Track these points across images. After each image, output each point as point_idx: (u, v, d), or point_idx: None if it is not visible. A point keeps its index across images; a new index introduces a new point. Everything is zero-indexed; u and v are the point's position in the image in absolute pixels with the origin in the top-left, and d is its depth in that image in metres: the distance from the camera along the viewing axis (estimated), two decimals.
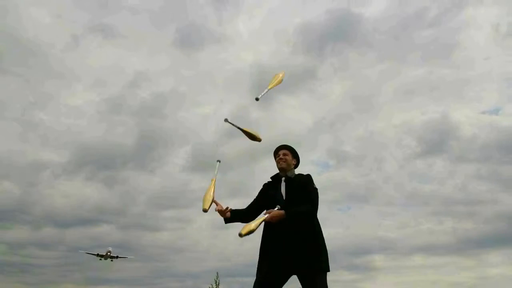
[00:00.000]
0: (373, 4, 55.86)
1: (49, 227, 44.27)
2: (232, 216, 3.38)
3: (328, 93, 50.36)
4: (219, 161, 3.44)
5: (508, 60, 51.30)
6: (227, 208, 3.34)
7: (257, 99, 3.30)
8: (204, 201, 3.11)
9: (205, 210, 3.05)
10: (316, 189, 3.39)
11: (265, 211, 3.21)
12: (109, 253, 36.65)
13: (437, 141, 45.38)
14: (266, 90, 3.36)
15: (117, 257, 37.59)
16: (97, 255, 36.78)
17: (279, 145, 3.61)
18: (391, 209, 46.31)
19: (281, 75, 3.55)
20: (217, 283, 6.42)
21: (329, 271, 3.21)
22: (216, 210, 3.30)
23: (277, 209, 3.16)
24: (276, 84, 3.49)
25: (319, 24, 47.52)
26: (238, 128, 3.40)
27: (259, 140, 3.52)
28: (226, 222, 3.41)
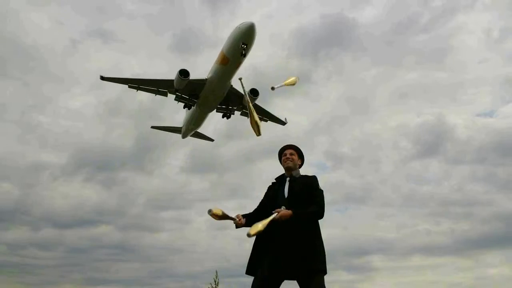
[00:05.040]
0: (367, 9, 56.20)
1: (48, 228, 44.30)
2: (247, 222, 3.35)
3: (324, 96, 50.61)
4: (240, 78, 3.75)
5: (501, 63, 51.77)
6: (239, 217, 3.35)
7: (272, 88, 3.58)
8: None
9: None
10: (322, 190, 3.37)
11: (274, 212, 3.18)
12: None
13: (433, 143, 45.73)
14: (280, 84, 3.59)
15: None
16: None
17: (285, 144, 3.58)
18: (389, 210, 46.58)
19: (295, 79, 3.74)
20: (217, 282, 6.55)
21: (326, 273, 3.20)
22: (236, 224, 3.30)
23: (284, 209, 3.16)
24: (290, 84, 3.66)
25: (314, 29, 47.87)
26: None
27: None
28: (237, 227, 3.39)
